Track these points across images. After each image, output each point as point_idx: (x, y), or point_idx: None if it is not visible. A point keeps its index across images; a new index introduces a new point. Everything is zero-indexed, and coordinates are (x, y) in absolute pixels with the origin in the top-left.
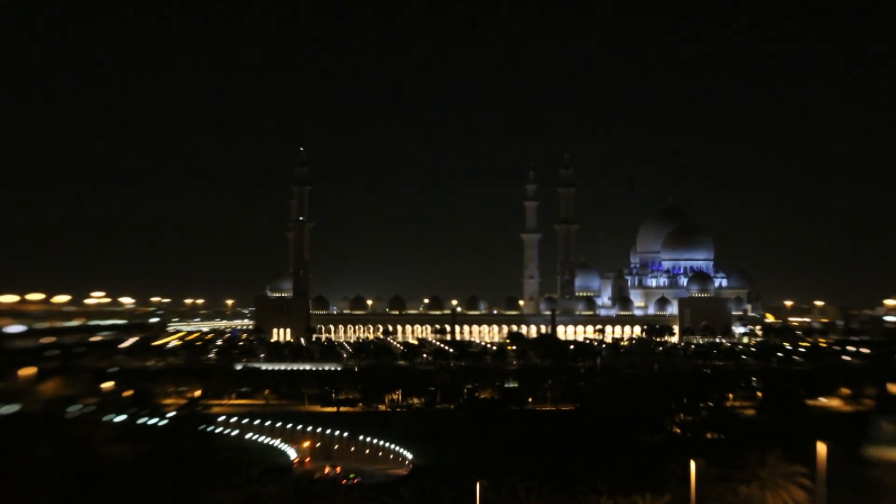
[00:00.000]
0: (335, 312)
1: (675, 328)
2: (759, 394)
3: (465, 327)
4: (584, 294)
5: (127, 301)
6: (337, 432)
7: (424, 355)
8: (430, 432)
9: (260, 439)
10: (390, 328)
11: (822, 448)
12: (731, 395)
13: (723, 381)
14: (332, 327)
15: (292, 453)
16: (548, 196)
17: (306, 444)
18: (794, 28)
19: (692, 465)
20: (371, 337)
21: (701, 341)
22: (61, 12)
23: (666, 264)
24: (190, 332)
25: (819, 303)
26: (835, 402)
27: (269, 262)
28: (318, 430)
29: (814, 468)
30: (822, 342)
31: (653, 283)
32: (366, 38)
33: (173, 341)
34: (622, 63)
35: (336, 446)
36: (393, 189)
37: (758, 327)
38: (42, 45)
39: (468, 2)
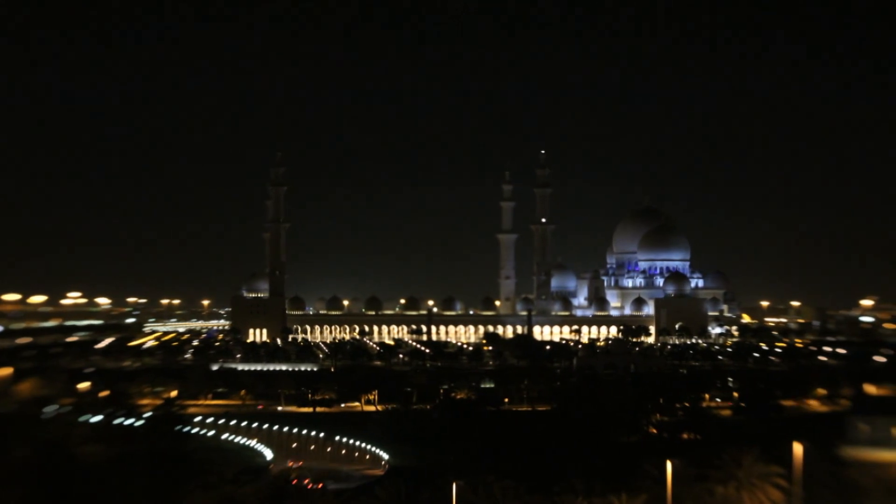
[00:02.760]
0: (311, 313)
1: (652, 328)
2: (736, 394)
3: (442, 328)
4: (561, 294)
5: (103, 302)
6: (313, 433)
7: (401, 356)
8: (406, 433)
9: (236, 440)
10: (366, 329)
11: (798, 448)
12: (707, 396)
13: (699, 382)
14: (308, 328)
15: (268, 453)
16: (524, 196)
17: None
18: (772, 27)
19: (668, 465)
20: (347, 337)
21: (677, 342)
22: (39, 8)
23: (642, 265)
24: (166, 333)
25: (795, 303)
26: (811, 403)
27: (245, 263)
28: (295, 430)
29: (790, 468)
30: (799, 342)
31: (629, 283)
32: (343, 40)
33: (149, 342)
34: (599, 64)
35: (312, 446)
36: (369, 190)
37: (734, 328)
38: (17, 38)
39: (445, 3)
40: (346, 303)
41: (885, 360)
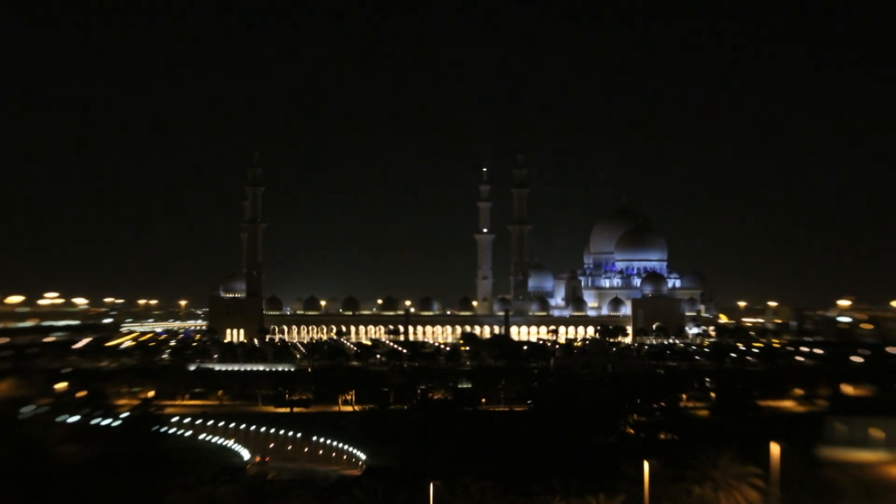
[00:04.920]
0: (288, 313)
1: (629, 329)
2: (713, 394)
3: (419, 328)
4: (538, 295)
5: (80, 302)
6: (290, 433)
7: (378, 356)
8: (383, 433)
9: (213, 440)
10: (344, 329)
11: (775, 449)
12: (684, 396)
13: (676, 382)
14: (285, 328)
15: (245, 454)
16: (501, 197)
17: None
18: (748, 28)
19: (646, 465)
20: (324, 337)
21: (654, 342)
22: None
23: (619, 265)
24: (143, 333)
25: (772, 303)
26: (788, 403)
27: (222, 263)
28: (272, 430)
29: (767, 469)
30: (776, 343)
31: (606, 283)
32: (319, 39)
33: (127, 342)
34: (576, 64)
35: (289, 447)
36: (346, 190)
37: (711, 328)
38: None
39: (422, 2)
40: (323, 303)
41: (862, 360)
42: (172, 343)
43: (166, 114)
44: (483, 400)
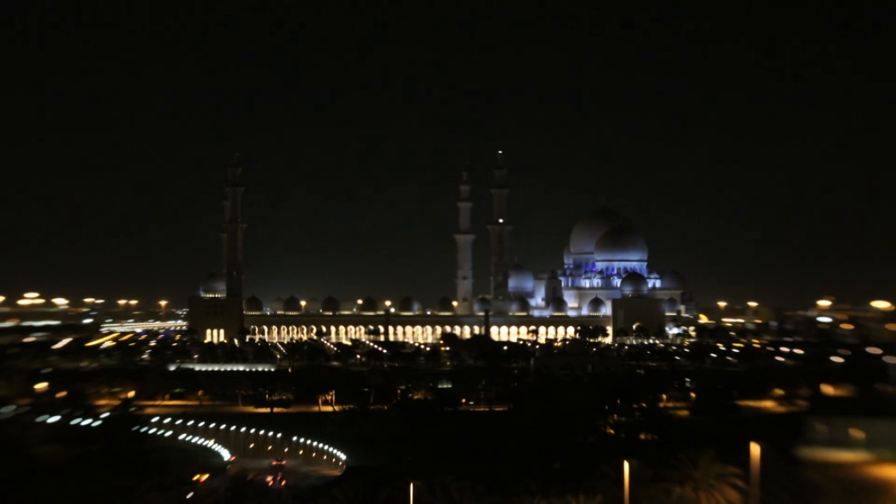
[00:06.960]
0: (269, 313)
1: (609, 329)
2: (693, 395)
3: (399, 328)
4: (518, 295)
5: (60, 302)
6: (270, 433)
7: (358, 356)
8: (363, 433)
9: (193, 440)
10: (324, 329)
11: (755, 449)
12: (664, 396)
13: (656, 382)
14: (265, 328)
15: (226, 454)
16: (481, 197)
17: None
18: (726, 27)
19: (625, 465)
20: (304, 338)
21: (634, 342)
22: None
23: (599, 265)
24: (123, 333)
25: (752, 303)
26: (768, 403)
27: (202, 263)
28: (252, 430)
29: (747, 469)
30: (756, 343)
31: (586, 283)
32: (299, 38)
33: (107, 342)
34: (556, 64)
35: (269, 447)
36: (326, 190)
37: (691, 328)
38: None
39: (403, 1)
40: (303, 303)
41: (842, 360)
42: (152, 343)
43: (147, 113)
44: (463, 400)
